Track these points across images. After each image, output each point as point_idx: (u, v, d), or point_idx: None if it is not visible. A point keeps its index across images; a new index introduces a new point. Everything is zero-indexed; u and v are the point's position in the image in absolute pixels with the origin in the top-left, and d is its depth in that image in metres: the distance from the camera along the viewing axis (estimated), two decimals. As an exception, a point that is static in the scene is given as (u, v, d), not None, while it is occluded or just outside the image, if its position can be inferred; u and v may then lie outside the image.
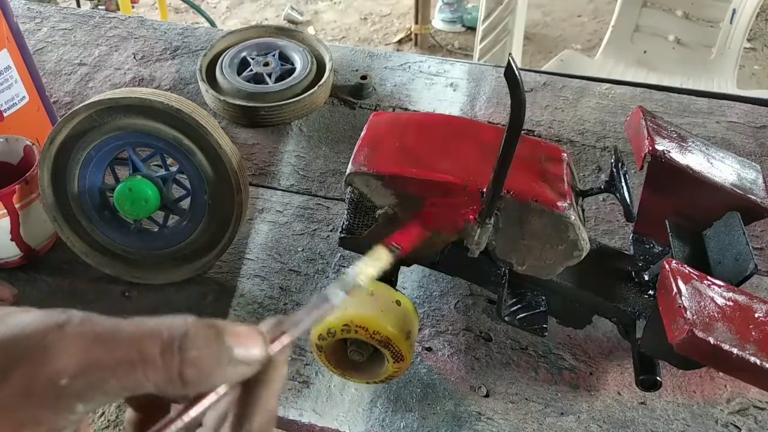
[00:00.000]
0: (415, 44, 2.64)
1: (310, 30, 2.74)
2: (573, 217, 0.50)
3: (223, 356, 0.25)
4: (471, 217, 0.51)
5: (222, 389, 0.27)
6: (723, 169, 0.56)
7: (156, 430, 0.26)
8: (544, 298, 0.57)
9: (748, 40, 2.52)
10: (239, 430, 0.27)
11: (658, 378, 0.53)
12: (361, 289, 0.33)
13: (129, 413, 0.31)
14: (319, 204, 0.75)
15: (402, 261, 0.59)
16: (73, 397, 0.23)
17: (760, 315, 0.46)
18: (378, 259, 0.35)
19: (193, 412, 0.26)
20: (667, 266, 0.48)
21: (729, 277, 0.51)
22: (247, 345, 0.26)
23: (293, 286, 0.67)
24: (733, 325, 0.45)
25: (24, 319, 0.25)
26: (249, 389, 0.28)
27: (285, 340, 0.29)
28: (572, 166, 0.56)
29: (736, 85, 1.56)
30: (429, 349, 0.62)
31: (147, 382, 0.24)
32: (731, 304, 0.46)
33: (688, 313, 0.44)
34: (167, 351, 0.24)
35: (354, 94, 0.90)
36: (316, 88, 0.85)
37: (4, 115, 0.69)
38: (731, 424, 0.56)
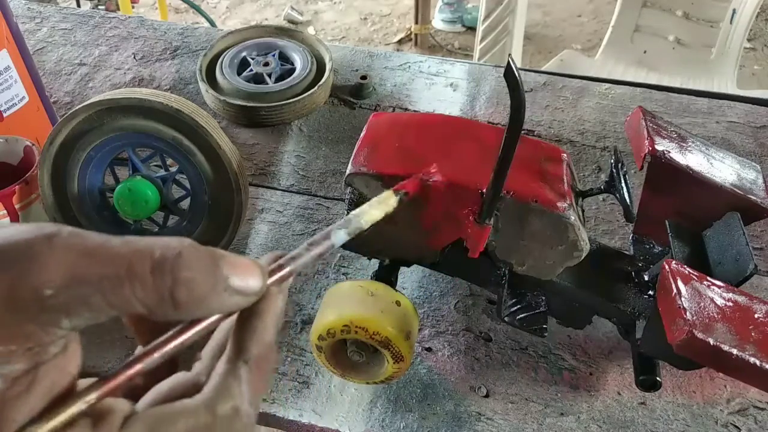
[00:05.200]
0: (415, 44, 2.64)
1: (310, 30, 2.74)
2: (573, 218, 0.50)
3: (219, 283, 0.25)
4: (471, 217, 0.51)
5: (213, 317, 0.26)
6: (723, 169, 0.56)
7: (145, 351, 0.26)
8: (544, 298, 0.57)
9: (748, 40, 2.52)
10: (236, 362, 0.27)
11: (658, 378, 0.53)
12: (363, 231, 0.33)
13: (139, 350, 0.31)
14: (319, 204, 0.75)
15: (402, 261, 0.59)
16: (59, 311, 0.23)
17: (760, 316, 0.46)
18: (384, 203, 0.35)
19: (186, 336, 0.26)
20: (666, 267, 0.48)
21: (729, 278, 0.51)
22: (245, 275, 0.26)
23: (293, 286, 0.67)
24: (732, 325, 0.44)
25: (11, 230, 0.24)
26: (245, 321, 0.27)
27: (282, 273, 0.29)
28: (572, 166, 0.56)
29: (736, 85, 1.56)
30: (429, 350, 0.62)
31: (135, 300, 0.23)
32: (731, 304, 0.46)
33: (687, 313, 0.44)
34: (158, 269, 0.24)
35: (354, 94, 0.90)
36: (316, 88, 0.85)
37: (4, 115, 0.69)
38: (731, 424, 0.56)
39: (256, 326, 0.27)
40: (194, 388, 0.27)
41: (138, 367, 0.25)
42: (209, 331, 0.27)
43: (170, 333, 0.26)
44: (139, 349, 0.29)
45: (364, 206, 0.33)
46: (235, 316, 0.28)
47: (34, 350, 0.23)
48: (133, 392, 0.28)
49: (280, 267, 0.29)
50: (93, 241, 0.24)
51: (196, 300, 0.24)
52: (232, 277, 0.25)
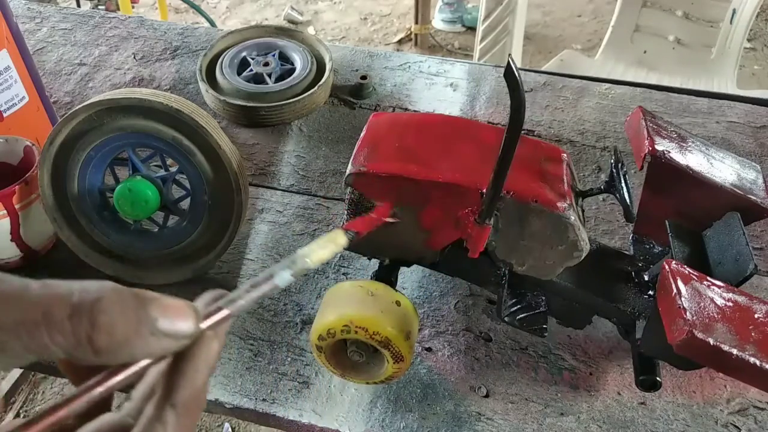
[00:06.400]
0: (415, 44, 2.63)
1: (310, 30, 2.74)
2: (573, 218, 0.50)
3: (144, 326, 0.25)
4: (471, 218, 0.51)
5: (144, 362, 0.26)
6: (723, 169, 0.56)
7: (73, 395, 0.25)
8: (544, 298, 0.57)
9: (748, 40, 2.52)
10: (163, 406, 0.27)
11: (658, 378, 0.53)
12: (308, 271, 0.32)
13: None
14: (319, 204, 0.75)
15: (402, 261, 0.59)
16: None
17: (760, 316, 0.46)
18: (333, 243, 0.34)
19: (117, 379, 0.25)
20: (666, 267, 0.48)
21: (729, 278, 0.51)
22: (175, 318, 0.26)
23: (293, 286, 0.67)
24: (732, 325, 0.44)
25: None
26: (176, 364, 0.27)
27: (218, 316, 0.28)
28: (572, 166, 0.56)
29: (736, 85, 1.56)
30: (429, 350, 0.62)
31: (53, 345, 0.23)
32: (731, 304, 0.46)
33: (687, 313, 0.44)
34: (76, 314, 0.23)
35: (354, 94, 0.90)
36: (316, 88, 0.85)
37: (4, 115, 0.69)
38: (731, 424, 0.56)
39: (187, 370, 0.27)
40: (121, 430, 0.27)
41: (64, 411, 0.25)
42: (143, 371, 0.27)
43: (101, 376, 0.26)
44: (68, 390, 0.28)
45: (312, 245, 0.32)
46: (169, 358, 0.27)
47: None
48: None
49: (218, 309, 0.28)
50: (9, 287, 0.24)
51: (117, 344, 0.24)
52: (161, 320, 0.25)
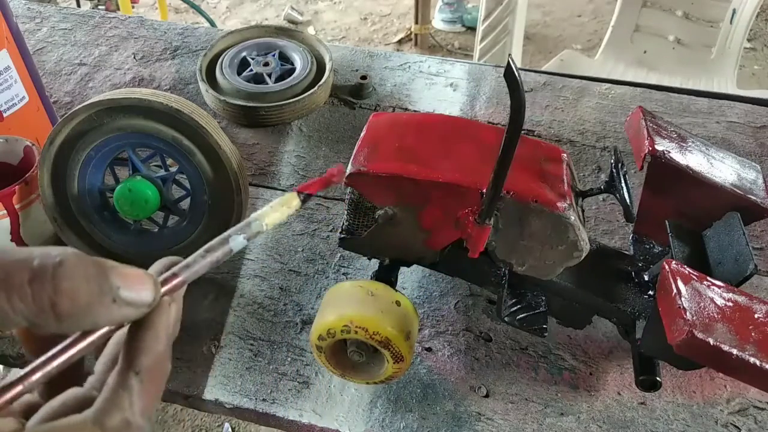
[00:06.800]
0: (415, 44, 2.63)
1: (310, 30, 2.74)
2: (573, 218, 0.50)
3: (106, 294, 0.24)
4: (471, 218, 0.51)
5: (102, 331, 0.26)
6: (723, 169, 0.56)
7: (27, 372, 0.25)
8: (544, 298, 0.57)
9: (748, 40, 2.52)
10: (126, 374, 0.26)
11: (658, 378, 0.53)
12: (263, 234, 0.32)
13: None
14: (319, 204, 0.75)
15: (402, 261, 0.59)
16: None
17: (760, 316, 0.46)
18: (286, 205, 0.33)
19: (74, 351, 0.25)
20: (666, 267, 0.48)
21: (729, 278, 0.51)
22: (135, 287, 0.25)
23: (293, 286, 0.67)
24: (732, 325, 0.44)
25: None
26: (135, 332, 0.27)
27: (175, 282, 0.28)
28: (572, 166, 0.56)
29: (736, 85, 1.56)
30: (429, 350, 0.62)
31: (13, 312, 0.23)
32: (731, 304, 0.46)
33: (687, 314, 0.44)
34: (37, 279, 0.23)
35: (354, 94, 0.90)
36: (316, 88, 0.85)
37: (4, 115, 0.69)
38: (731, 424, 0.56)
39: (147, 337, 0.27)
40: (86, 403, 0.27)
41: (17, 389, 0.24)
42: (102, 344, 0.26)
43: (57, 348, 0.25)
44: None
45: (266, 208, 0.32)
46: (126, 328, 0.27)
47: None
48: (32, 411, 0.27)
49: (174, 276, 0.28)
50: None
51: (80, 311, 0.24)
52: (122, 289, 0.25)
